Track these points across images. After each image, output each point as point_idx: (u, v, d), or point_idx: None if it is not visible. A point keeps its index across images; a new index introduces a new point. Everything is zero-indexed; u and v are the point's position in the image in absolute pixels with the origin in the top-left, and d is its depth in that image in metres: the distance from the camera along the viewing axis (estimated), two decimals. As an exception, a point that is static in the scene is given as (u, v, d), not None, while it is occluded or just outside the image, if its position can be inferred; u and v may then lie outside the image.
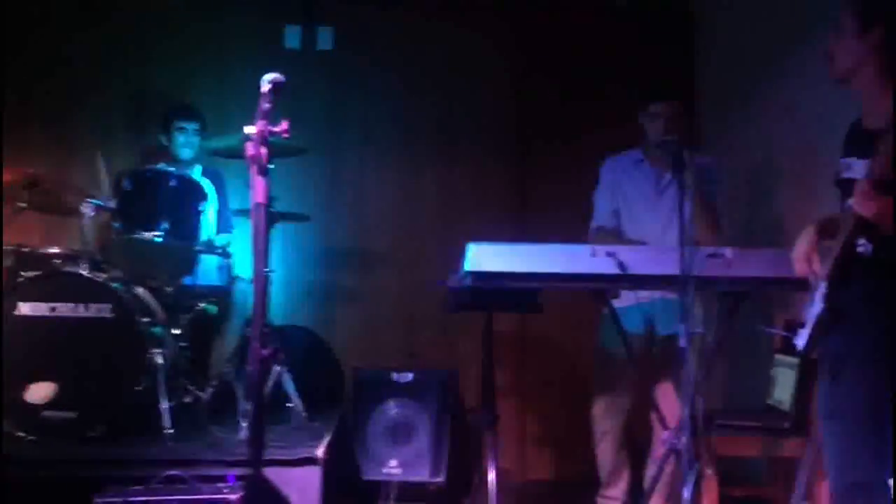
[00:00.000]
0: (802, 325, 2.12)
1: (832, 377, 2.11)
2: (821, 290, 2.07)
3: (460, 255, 2.62)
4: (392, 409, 3.89)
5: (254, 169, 1.97)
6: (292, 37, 4.65)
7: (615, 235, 3.43)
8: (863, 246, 2.04)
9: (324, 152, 4.51)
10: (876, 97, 2.09)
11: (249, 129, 2.01)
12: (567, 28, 4.70)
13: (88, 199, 3.39)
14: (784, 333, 2.93)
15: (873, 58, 2.08)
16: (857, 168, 2.08)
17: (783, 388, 3.19)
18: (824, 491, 2.92)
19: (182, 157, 4.03)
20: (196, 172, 3.98)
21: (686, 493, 2.39)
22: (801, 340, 2.12)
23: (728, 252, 2.59)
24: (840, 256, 2.05)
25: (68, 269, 3.34)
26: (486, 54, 4.71)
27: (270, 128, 2.01)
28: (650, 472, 3.44)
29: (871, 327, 2.04)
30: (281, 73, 2.14)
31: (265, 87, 2.07)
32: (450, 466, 3.86)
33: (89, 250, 3.39)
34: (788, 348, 3.23)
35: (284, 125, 2.02)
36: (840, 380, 2.09)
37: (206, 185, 3.63)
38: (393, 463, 3.81)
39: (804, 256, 2.13)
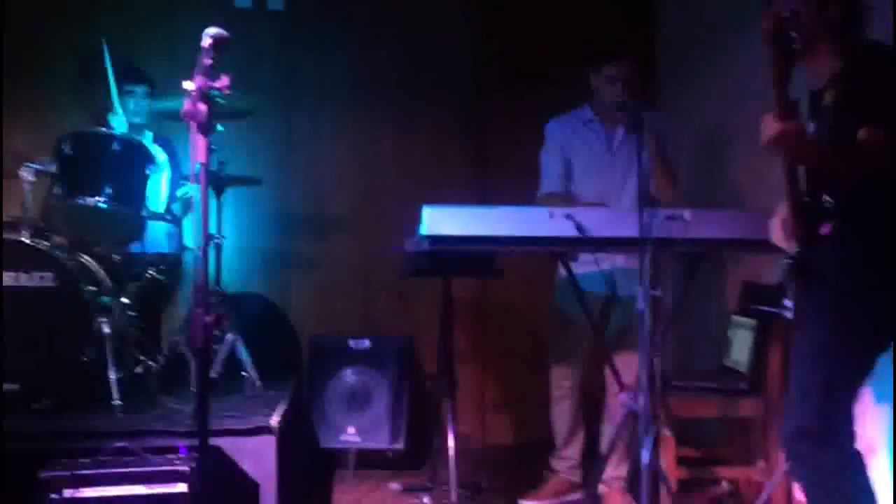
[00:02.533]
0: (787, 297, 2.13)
1: (799, 328, 2.13)
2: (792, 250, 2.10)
3: (417, 219, 2.57)
4: (349, 376, 3.85)
5: (193, 127, 1.89)
6: (243, -4, 4.51)
7: (566, 201, 3.39)
8: (827, 203, 2.05)
9: (277, 114, 4.40)
10: (822, 64, 2.14)
11: (188, 85, 1.92)
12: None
13: (28, 164, 3.26)
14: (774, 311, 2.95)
15: (828, 35, 2.12)
16: (812, 129, 2.12)
17: (740, 350, 3.21)
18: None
19: (132, 122, 3.89)
20: (147, 139, 3.85)
21: (644, 455, 2.38)
22: (790, 313, 2.13)
23: (687, 213, 2.57)
24: (794, 206, 2.07)
25: (9, 236, 3.20)
26: (443, 14, 4.61)
27: (210, 83, 1.93)
28: (607, 433, 3.45)
29: (835, 280, 2.05)
30: (232, 33, 2.05)
31: (206, 41, 1.98)
32: (409, 433, 3.84)
33: (31, 217, 3.26)
34: (745, 310, 3.25)
35: (225, 80, 1.93)
36: (803, 330, 2.11)
37: (158, 151, 3.50)
38: (351, 430, 3.78)
39: (782, 231, 2.14)
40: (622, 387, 2.92)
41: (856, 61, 2.06)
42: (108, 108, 3.68)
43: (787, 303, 2.13)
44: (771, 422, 2.99)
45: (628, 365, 3.07)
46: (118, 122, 3.63)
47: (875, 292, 2.02)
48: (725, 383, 3.12)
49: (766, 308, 3.03)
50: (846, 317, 2.03)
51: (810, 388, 2.06)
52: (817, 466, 2.06)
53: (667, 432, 2.95)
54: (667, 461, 2.93)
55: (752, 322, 3.15)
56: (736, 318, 3.31)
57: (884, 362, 2.09)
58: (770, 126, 1.98)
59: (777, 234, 2.19)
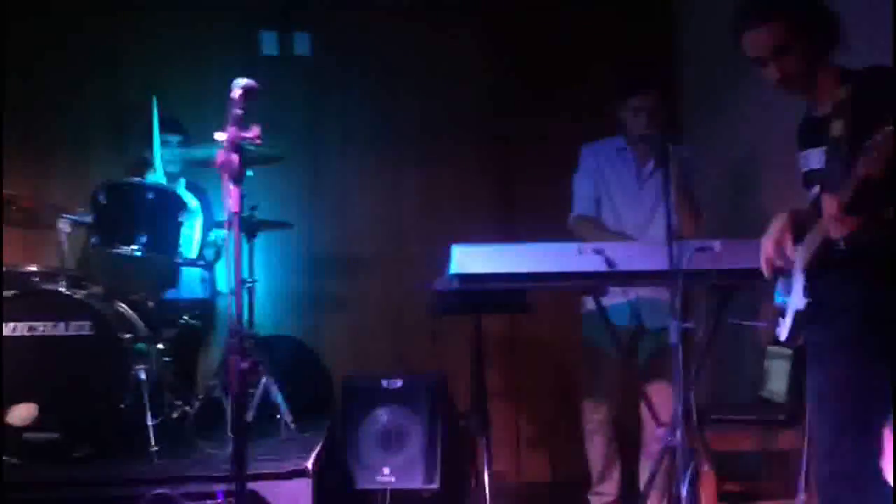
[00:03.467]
0: (782, 316, 2.10)
1: (815, 365, 2.10)
2: (800, 282, 2.06)
3: (446, 257, 2.59)
4: (383, 416, 3.83)
5: (225, 177, 1.93)
6: (269, 43, 4.61)
7: (596, 223, 3.40)
8: (839, 240, 2.03)
9: (304, 159, 4.48)
10: (821, 89, 2.16)
11: (220, 136, 1.96)
12: (545, 20, 4.66)
13: (65, 215, 3.33)
14: (762, 325, 2.92)
15: (822, 62, 2.15)
16: (815, 157, 2.13)
17: (777, 380, 3.16)
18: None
19: (168, 171, 3.96)
20: (180, 186, 3.92)
21: (683, 490, 2.35)
22: (783, 331, 2.10)
23: (716, 245, 2.56)
24: (818, 253, 2.04)
25: (47, 286, 3.27)
26: (465, 54, 4.67)
27: (241, 133, 1.97)
28: (645, 469, 3.40)
29: (849, 315, 2.02)
30: (259, 80, 2.10)
31: (236, 92, 2.02)
32: (444, 472, 3.81)
33: (68, 267, 3.33)
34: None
35: (256, 130, 1.97)
36: (820, 368, 2.08)
37: (190, 198, 3.53)
38: (386, 471, 3.75)
39: (776, 241, 2.12)
40: (657, 419, 2.89)
41: (861, 89, 2.00)
42: (148, 163, 3.72)
43: (781, 321, 2.11)
44: (811, 453, 2.93)
45: (662, 396, 3.04)
46: (157, 178, 3.68)
47: (893, 321, 1.98)
48: (763, 415, 3.08)
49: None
50: (868, 349, 1.99)
51: (843, 428, 2.02)
52: None
53: (706, 467, 2.90)
54: (707, 496, 2.88)
55: (787, 352, 3.10)
56: (772, 348, 3.26)
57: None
58: (837, 226, 1.93)
59: (773, 240, 2.14)
